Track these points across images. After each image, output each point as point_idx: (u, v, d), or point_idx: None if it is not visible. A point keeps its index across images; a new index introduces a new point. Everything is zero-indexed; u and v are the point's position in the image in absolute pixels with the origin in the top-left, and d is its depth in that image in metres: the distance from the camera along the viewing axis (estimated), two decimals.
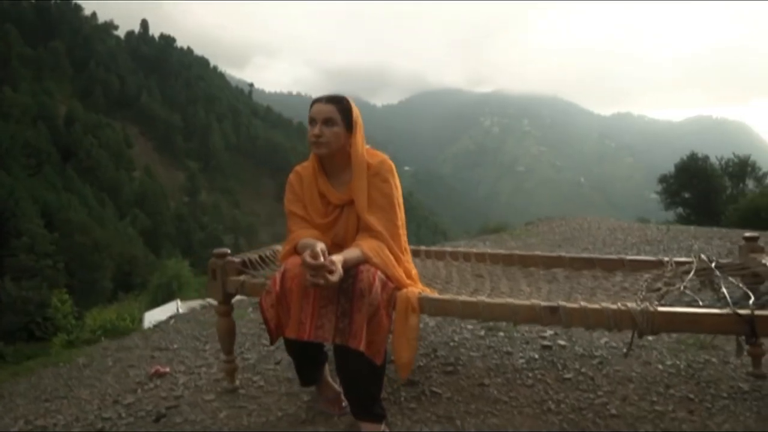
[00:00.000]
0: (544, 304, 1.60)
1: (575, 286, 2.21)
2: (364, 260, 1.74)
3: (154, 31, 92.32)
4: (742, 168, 22.69)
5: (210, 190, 74.82)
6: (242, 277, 2.05)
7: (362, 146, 1.96)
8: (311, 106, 1.95)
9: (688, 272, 2.10)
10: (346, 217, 1.94)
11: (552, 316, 1.59)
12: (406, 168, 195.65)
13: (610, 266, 2.34)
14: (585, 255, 2.43)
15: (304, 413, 1.95)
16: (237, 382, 2.21)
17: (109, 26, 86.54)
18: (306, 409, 1.99)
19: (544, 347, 2.55)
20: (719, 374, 2.18)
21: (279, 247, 2.48)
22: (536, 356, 2.44)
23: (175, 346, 2.94)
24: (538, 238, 6.70)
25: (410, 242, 2.05)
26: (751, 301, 1.50)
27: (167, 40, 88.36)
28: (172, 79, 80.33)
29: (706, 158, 23.39)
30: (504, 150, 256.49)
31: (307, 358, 1.94)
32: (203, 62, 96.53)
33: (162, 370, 2.47)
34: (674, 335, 2.67)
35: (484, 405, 1.97)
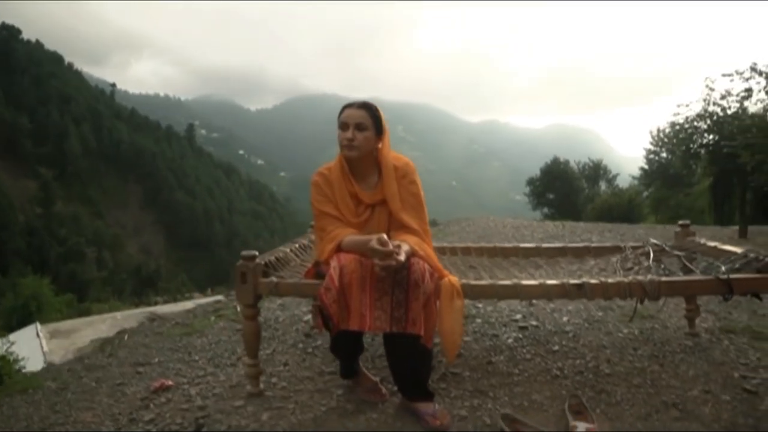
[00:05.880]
0: (572, 282, 1.92)
1: (559, 271, 2.57)
2: (413, 253, 1.90)
3: None
4: (596, 171, 26.02)
5: (67, 199, 66.99)
6: (274, 279, 2.08)
7: (390, 150, 2.12)
8: (342, 110, 2.07)
9: (645, 254, 2.56)
10: (378, 216, 2.09)
11: (579, 291, 1.90)
12: (282, 174, 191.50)
13: (580, 253, 2.75)
14: (558, 245, 2.81)
15: (349, 405, 2.05)
16: (261, 386, 2.22)
17: None
18: (346, 400, 2.09)
19: (521, 328, 2.89)
20: (666, 336, 2.69)
21: (287, 249, 2.53)
22: (520, 336, 2.76)
23: (156, 360, 2.80)
24: (454, 237, 7.21)
25: None
26: (723, 269, 1.95)
27: (10, 31, 77.15)
28: (18, 75, 70.39)
29: (566, 162, 26.42)
30: None
31: (352, 352, 2.06)
32: (56, 58, 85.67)
33: (166, 383, 2.37)
34: (617, 310, 3.18)
35: (503, 378, 2.24)
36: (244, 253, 2.10)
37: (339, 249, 1.95)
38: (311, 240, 2.84)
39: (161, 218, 78.28)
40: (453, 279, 1.97)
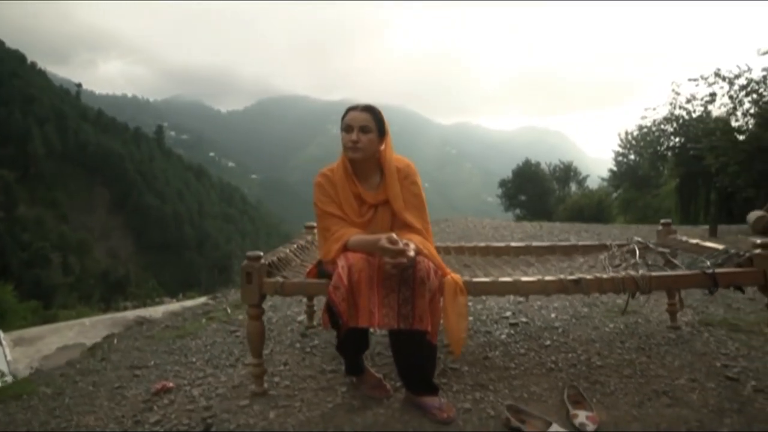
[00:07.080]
0: (569, 278, 2.01)
1: (550, 268, 2.67)
2: (418, 251, 1.97)
3: None
4: (566, 172, 26.65)
5: (31, 203, 64.76)
6: (280, 279, 2.11)
7: (392, 151, 2.18)
8: (346, 113, 2.13)
9: (630, 251, 2.68)
10: (381, 216, 2.15)
11: (576, 286, 2.00)
12: (253, 176, 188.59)
13: (568, 251, 2.86)
14: (546, 243, 2.92)
15: (355, 401, 2.10)
16: (265, 385, 2.24)
17: None
18: (351, 397, 2.13)
19: (512, 324, 2.98)
20: (650, 330, 2.82)
21: (286, 249, 2.56)
22: (512, 332, 2.86)
23: (152, 362, 2.78)
24: (434, 238, 7.30)
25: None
26: (708, 264, 2.07)
27: None
28: None
29: (537, 164, 26.99)
30: None
31: (358, 349, 2.11)
32: (17, 56, 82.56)
33: (167, 385, 2.37)
34: (601, 306, 3.31)
35: (500, 372, 2.32)
36: (250, 253, 2.12)
37: (345, 248, 1.99)
38: (308, 240, 2.88)
39: (129, 222, 76.50)
40: (456, 276, 2.05)
